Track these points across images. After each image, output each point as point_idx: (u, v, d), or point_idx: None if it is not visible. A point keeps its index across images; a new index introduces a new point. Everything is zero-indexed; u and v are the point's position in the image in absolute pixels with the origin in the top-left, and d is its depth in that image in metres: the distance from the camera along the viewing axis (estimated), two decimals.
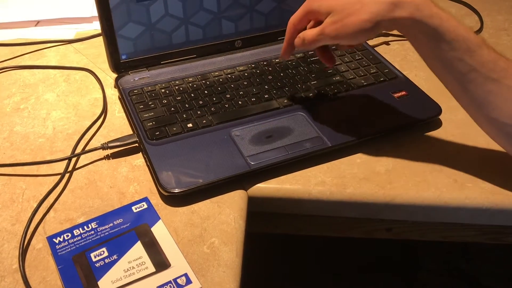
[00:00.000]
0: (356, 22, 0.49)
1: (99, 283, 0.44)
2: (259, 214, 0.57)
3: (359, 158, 0.59)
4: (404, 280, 1.19)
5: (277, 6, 0.72)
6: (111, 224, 0.50)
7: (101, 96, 0.68)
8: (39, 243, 0.49)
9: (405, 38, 0.79)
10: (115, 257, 0.47)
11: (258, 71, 0.69)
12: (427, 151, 0.59)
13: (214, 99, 0.64)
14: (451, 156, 0.59)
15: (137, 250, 0.47)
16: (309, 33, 0.53)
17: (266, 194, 0.55)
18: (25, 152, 0.59)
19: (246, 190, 0.55)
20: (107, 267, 0.46)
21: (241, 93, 0.65)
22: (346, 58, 0.72)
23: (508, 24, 0.85)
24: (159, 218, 0.51)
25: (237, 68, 0.69)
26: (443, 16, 0.48)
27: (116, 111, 0.66)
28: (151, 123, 0.59)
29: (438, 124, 0.63)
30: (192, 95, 0.64)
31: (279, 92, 0.65)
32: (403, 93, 0.65)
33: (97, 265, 0.46)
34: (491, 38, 0.81)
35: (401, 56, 0.77)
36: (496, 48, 0.49)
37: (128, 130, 0.63)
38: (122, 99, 0.65)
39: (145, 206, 0.52)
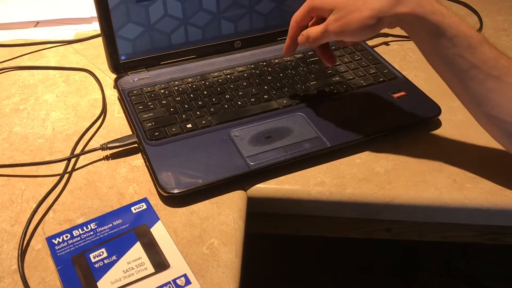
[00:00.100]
0: (359, 19, 0.49)
1: (99, 283, 0.44)
2: (259, 214, 0.57)
3: (358, 159, 0.59)
4: (403, 280, 1.19)
5: (276, 6, 0.72)
6: (110, 225, 0.50)
7: (101, 96, 0.68)
8: (38, 244, 0.49)
9: (404, 39, 0.80)
10: (114, 257, 0.47)
11: (257, 72, 0.69)
12: (427, 152, 0.59)
13: (214, 99, 0.64)
14: (451, 157, 0.59)
15: (137, 250, 0.47)
16: (313, 30, 0.54)
17: (265, 195, 0.55)
18: (24, 153, 0.59)
19: (245, 191, 0.55)
20: (106, 267, 0.46)
21: (240, 93, 0.65)
22: (345, 59, 0.72)
23: (507, 24, 0.85)
24: (158, 219, 0.50)
25: (237, 68, 0.69)
26: (445, 12, 0.48)
27: (116, 111, 0.66)
28: (150, 124, 0.59)
29: (437, 124, 0.63)
30: (192, 95, 0.64)
31: (278, 93, 0.65)
32: (403, 93, 0.65)
33: (97, 265, 0.46)
34: (491, 39, 0.79)
35: (401, 56, 0.76)
36: None
37: (127, 131, 0.63)
38: (121, 99, 0.65)
39: (144, 206, 0.52)
